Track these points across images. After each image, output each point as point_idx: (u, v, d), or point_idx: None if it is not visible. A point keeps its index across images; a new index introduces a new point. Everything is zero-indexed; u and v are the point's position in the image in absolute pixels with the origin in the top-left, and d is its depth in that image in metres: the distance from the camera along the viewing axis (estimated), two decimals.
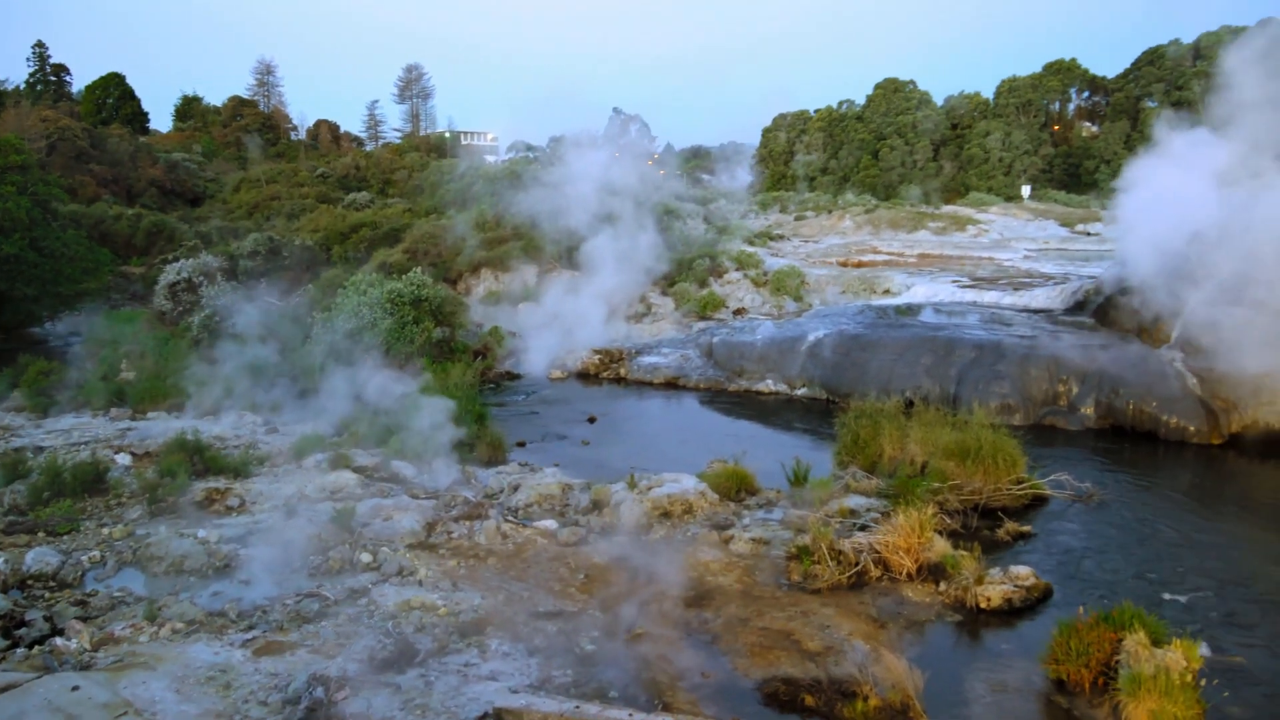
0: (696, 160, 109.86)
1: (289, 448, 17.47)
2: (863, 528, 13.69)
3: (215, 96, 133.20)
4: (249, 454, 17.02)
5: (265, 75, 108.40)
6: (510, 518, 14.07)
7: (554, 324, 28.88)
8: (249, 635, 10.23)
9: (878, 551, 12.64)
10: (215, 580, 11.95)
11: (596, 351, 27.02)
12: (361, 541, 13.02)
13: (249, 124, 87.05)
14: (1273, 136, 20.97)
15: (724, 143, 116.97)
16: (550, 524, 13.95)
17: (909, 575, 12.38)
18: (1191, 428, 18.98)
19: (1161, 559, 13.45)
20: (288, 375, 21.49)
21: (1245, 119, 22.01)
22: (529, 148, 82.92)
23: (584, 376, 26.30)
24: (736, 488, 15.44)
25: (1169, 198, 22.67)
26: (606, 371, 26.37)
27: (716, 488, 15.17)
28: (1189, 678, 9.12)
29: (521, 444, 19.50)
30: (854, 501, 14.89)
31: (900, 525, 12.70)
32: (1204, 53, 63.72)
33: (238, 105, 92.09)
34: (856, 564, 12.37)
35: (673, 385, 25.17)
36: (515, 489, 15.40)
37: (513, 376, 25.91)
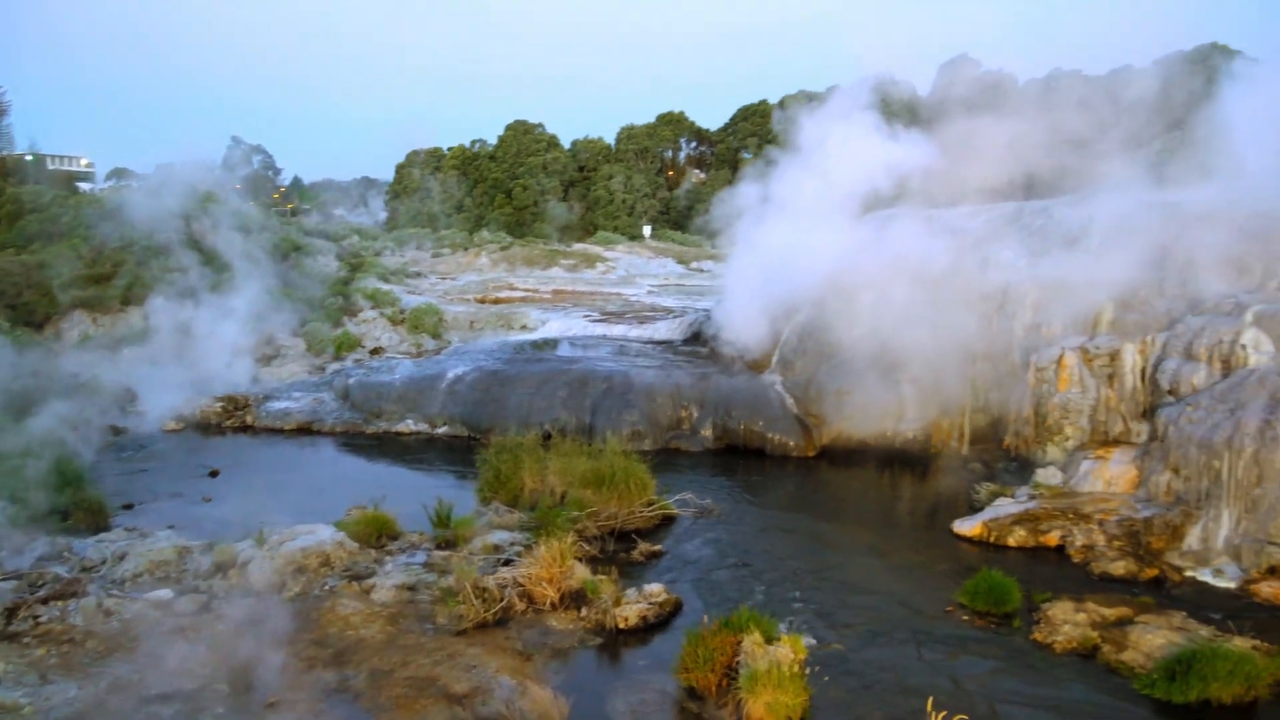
0: (328, 195, 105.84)
1: None
2: (507, 562, 13.82)
3: None
4: None
5: None
6: (115, 591, 12.49)
7: (168, 370, 26.21)
8: None
9: (522, 584, 12.82)
10: None
11: (219, 399, 24.93)
12: None
13: None
14: (838, 188, 24.24)
15: (356, 177, 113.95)
16: (165, 593, 12.58)
17: (553, 605, 12.67)
18: (791, 443, 21.35)
19: (773, 562, 14.94)
20: None
21: (816, 172, 25.30)
22: (128, 175, 74.87)
23: (205, 427, 24.13)
24: (377, 534, 14.93)
25: (765, 243, 25.44)
26: (231, 420, 24.40)
27: (356, 536, 14.57)
28: (797, 669, 10.19)
29: (129, 506, 17.46)
30: (498, 537, 14.99)
31: (542, 556, 12.98)
32: (785, 112, 72.91)
33: None
34: (502, 600, 12.44)
35: (306, 431, 23.85)
36: (122, 558, 13.70)
37: (117, 431, 23.09)
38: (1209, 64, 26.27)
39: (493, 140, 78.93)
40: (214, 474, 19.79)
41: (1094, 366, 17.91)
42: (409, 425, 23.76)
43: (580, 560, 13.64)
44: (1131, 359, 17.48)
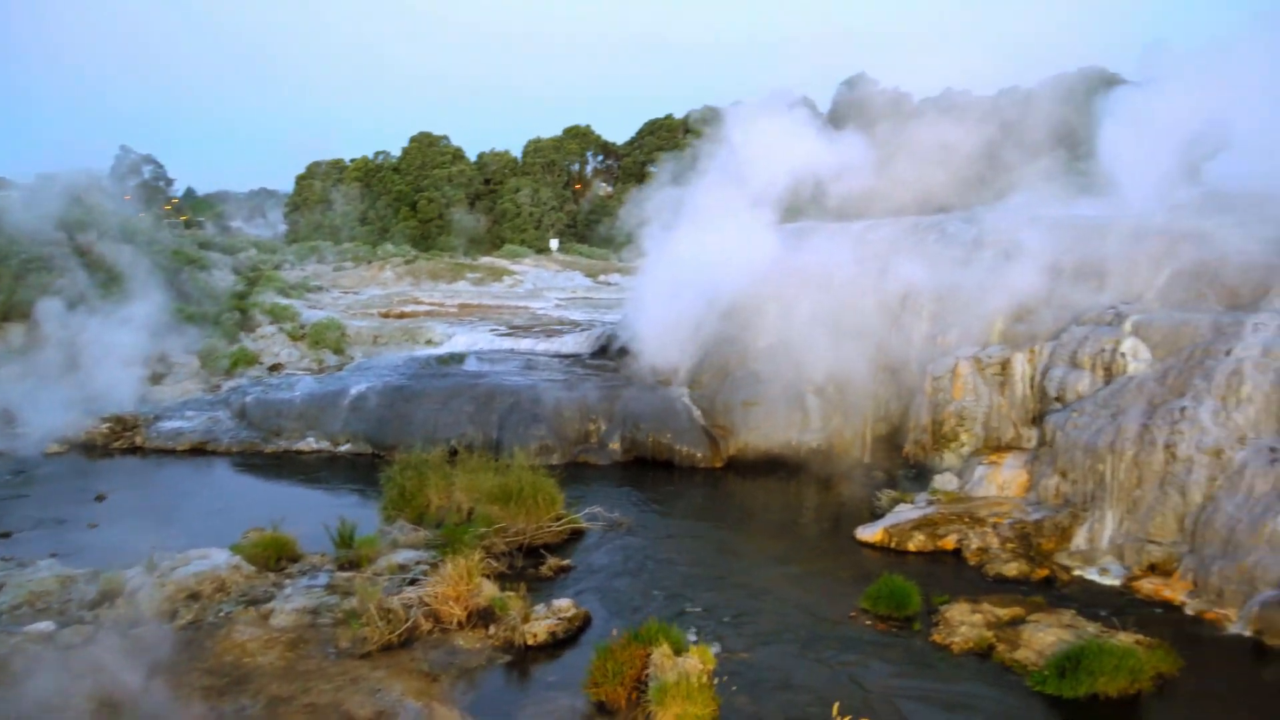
0: (224, 206, 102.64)
1: None
2: (413, 582, 13.58)
3: None
4: None
5: None
6: None
7: (50, 389, 24.94)
8: None
9: (428, 604, 12.60)
10: None
11: (105, 419, 23.87)
12: None
13: None
14: (751, 193, 24.51)
15: (254, 188, 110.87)
16: (46, 626, 11.96)
17: (460, 623, 12.49)
18: (699, 454, 21.54)
19: (681, 573, 15.02)
20: None
21: (727, 181, 25.59)
22: (5, 185, 71.27)
23: (90, 449, 23.06)
24: (276, 556, 14.49)
25: (674, 255, 25.60)
26: (119, 441, 23.37)
27: (253, 559, 14.11)
28: (706, 679, 10.26)
29: (6, 535, 16.58)
30: (403, 556, 14.72)
31: (449, 574, 12.79)
32: (691, 127, 73.76)
33: None
34: (407, 620, 12.20)
35: (201, 451, 23.01)
36: None
37: None
38: (1090, 86, 27.59)
39: (396, 152, 77.78)
40: (100, 498, 18.93)
41: (986, 375, 18.57)
42: (310, 443, 23.15)
43: (488, 577, 13.49)
44: (1021, 368, 18.18)
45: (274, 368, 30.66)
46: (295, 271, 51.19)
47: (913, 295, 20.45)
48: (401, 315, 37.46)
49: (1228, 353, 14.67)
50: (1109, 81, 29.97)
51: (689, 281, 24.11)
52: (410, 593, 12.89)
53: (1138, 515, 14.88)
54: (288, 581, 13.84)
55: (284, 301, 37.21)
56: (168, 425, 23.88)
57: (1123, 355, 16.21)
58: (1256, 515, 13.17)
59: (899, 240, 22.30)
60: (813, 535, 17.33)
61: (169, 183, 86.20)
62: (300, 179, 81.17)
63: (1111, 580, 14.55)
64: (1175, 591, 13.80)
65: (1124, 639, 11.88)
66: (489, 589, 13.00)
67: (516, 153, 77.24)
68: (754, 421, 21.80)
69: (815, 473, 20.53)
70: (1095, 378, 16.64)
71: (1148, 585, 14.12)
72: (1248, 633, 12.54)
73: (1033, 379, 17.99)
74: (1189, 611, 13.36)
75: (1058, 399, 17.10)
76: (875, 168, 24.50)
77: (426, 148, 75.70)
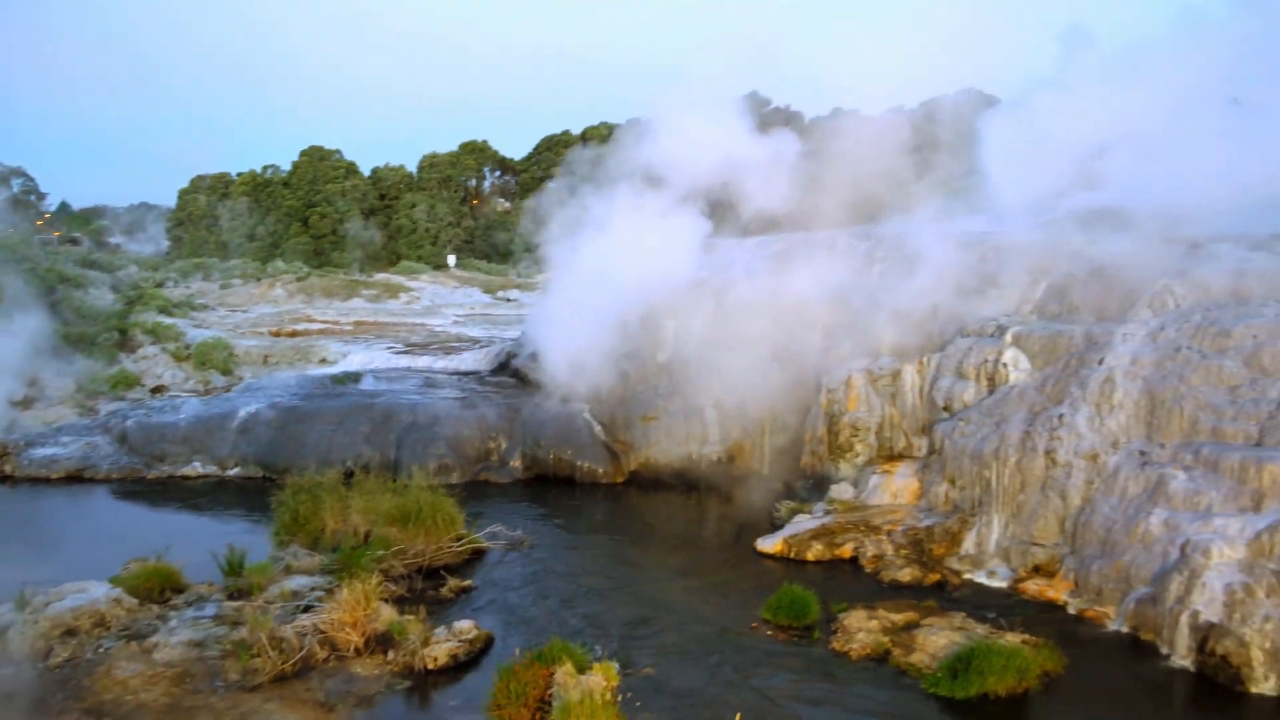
0: (101, 222, 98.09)
1: None
2: (307, 609, 13.17)
3: None
4: None
5: None
6: None
7: None
8: None
9: (323, 631, 12.24)
10: None
11: None
12: None
13: None
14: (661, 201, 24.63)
15: (134, 203, 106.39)
16: None
17: (357, 650, 12.16)
18: (600, 470, 21.54)
19: (584, 590, 14.96)
20: None
21: (625, 203, 25.72)
22: None
23: None
24: (160, 587, 13.87)
25: (576, 271, 25.55)
26: None
27: (135, 591, 13.47)
28: (609, 696, 10.23)
29: None
30: (296, 583, 14.26)
31: (345, 600, 12.45)
32: (589, 144, 74.08)
33: None
34: (301, 649, 11.82)
35: (77, 479, 21.86)
36: None
37: None
38: (972, 106, 28.73)
39: (286, 166, 75.76)
40: None
41: (879, 386, 19.10)
42: (196, 468, 22.26)
43: (386, 601, 13.19)
44: (911, 378, 18.77)
45: (156, 390, 29.43)
46: (180, 289, 49.29)
47: (807, 308, 20.90)
48: (294, 334, 36.42)
49: (1100, 362, 15.45)
50: (988, 102, 31.29)
51: (590, 297, 24.12)
52: (304, 620, 12.49)
53: (1022, 519, 15.50)
54: (172, 613, 13.25)
55: (167, 321, 35.76)
56: (40, 452, 22.62)
57: (1004, 365, 16.89)
58: (1130, 516, 13.87)
59: (792, 255, 22.77)
60: (714, 547, 17.50)
61: (41, 196, 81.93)
62: (184, 193, 78.27)
63: (999, 582, 15.11)
64: (1058, 591, 14.41)
65: (1011, 639, 12.34)
66: (387, 613, 12.70)
67: (412, 167, 76.14)
68: (654, 436, 21.94)
69: (716, 485, 20.76)
70: (980, 387, 17.29)
71: (1033, 586, 14.71)
72: (1125, 629, 13.17)
73: (922, 389, 18.59)
74: (1071, 610, 13.96)
75: (946, 408, 17.71)
76: (780, 183, 24.94)
77: (318, 161, 73.97)
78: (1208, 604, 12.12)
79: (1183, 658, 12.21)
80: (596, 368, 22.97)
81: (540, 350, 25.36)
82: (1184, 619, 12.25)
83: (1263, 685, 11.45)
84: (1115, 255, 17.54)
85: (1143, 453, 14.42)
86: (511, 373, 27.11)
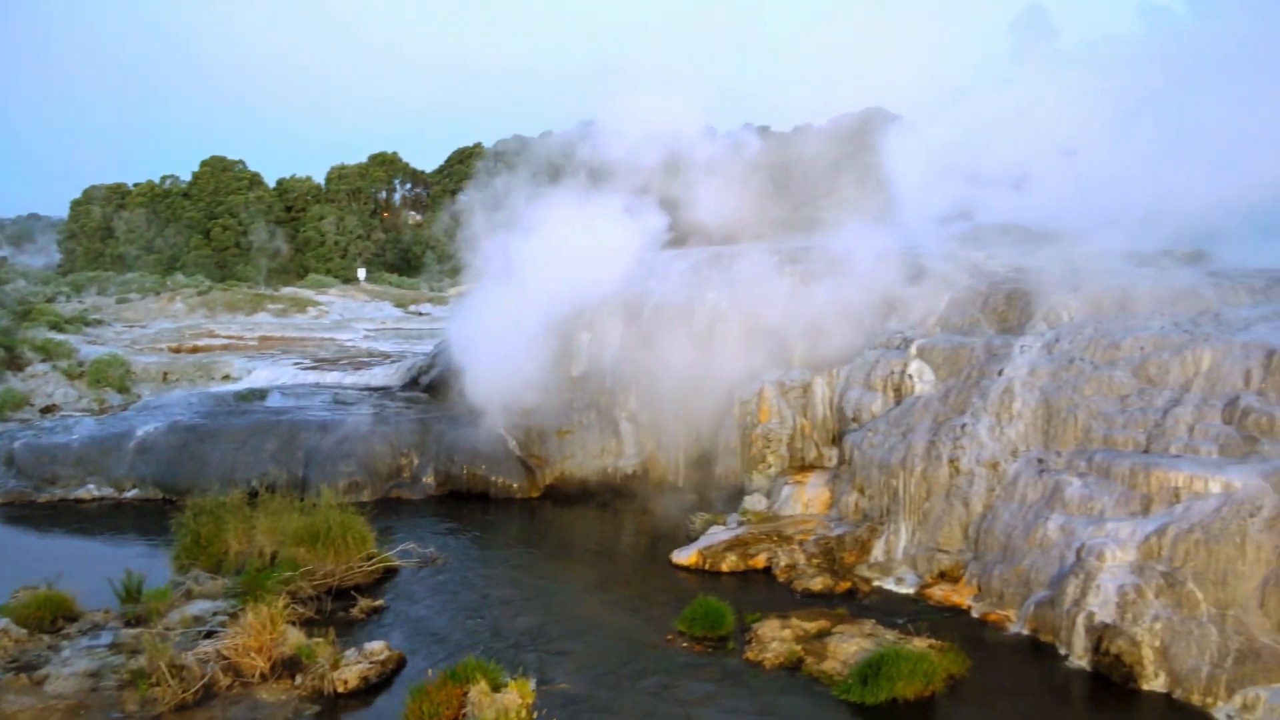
0: None
1: None
2: (210, 634, 12.74)
3: None
4: None
5: None
6: None
7: None
8: None
9: (226, 657, 11.85)
10: None
11: None
12: None
13: None
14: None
15: (21, 214, 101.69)
16: None
17: (263, 675, 11.80)
18: (515, 485, 21.38)
19: (499, 607, 14.82)
20: None
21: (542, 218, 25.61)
22: None
23: None
24: (52, 616, 13.25)
25: (491, 286, 25.32)
26: None
27: (24, 620, 12.85)
28: (525, 714, 10.15)
29: None
30: (198, 607, 13.79)
31: (250, 624, 12.07)
32: (502, 158, 73.82)
33: None
34: (204, 676, 11.43)
35: None
36: None
37: None
38: (876, 124, 29.56)
39: (187, 176, 73.47)
40: None
41: (790, 398, 19.43)
42: (90, 490, 21.33)
43: (294, 624, 12.84)
44: (821, 390, 19.15)
45: (47, 410, 28.13)
46: (73, 304, 47.27)
47: (719, 321, 21.14)
48: (195, 350, 35.24)
49: (1000, 373, 16.02)
50: (890, 120, 32.22)
51: (507, 310, 23.95)
52: (207, 646, 12.08)
53: (928, 526, 15.94)
54: (65, 643, 12.67)
55: (59, 337, 34.23)
56: None
57: (910, 377, 17.38)
58: (1029, 522, 14.39)
59: (704, 269, 23.02)
60: (630, 561, 17.52)
61: None
62: (76, 204, 75.12)
63: (907, 589, 15.49)
64: (962, 596, 14.85)
65: (919, 644, 12.65)
66: (295, 636, 12.36)
67: (320, 179, 74.66)
68: (570, 450, 21.89)
69: (632, 498, 20.80)
70: (887, 398, 17.74)
71: (938, 592, 15.12)
72: (1025, 631, 13.64)
73: (832, 400, 18.98)
74: (975, 614, 14.39)
75: (854, 419, 18.10)
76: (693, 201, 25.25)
77: (220, 172, 71.95)
78: (1102, 605, 12.64)
79: (1079, 658, 12.70)
80: (512, 381, 22.80)
81: (454, 364, 25.08)
82: (1080, 620, 12.75)
83: (1154, 682, 11.99)
84: (1013, 270, 18.23)
85: (1040, 460, 14.98)
86: (424, 387, 26.73)
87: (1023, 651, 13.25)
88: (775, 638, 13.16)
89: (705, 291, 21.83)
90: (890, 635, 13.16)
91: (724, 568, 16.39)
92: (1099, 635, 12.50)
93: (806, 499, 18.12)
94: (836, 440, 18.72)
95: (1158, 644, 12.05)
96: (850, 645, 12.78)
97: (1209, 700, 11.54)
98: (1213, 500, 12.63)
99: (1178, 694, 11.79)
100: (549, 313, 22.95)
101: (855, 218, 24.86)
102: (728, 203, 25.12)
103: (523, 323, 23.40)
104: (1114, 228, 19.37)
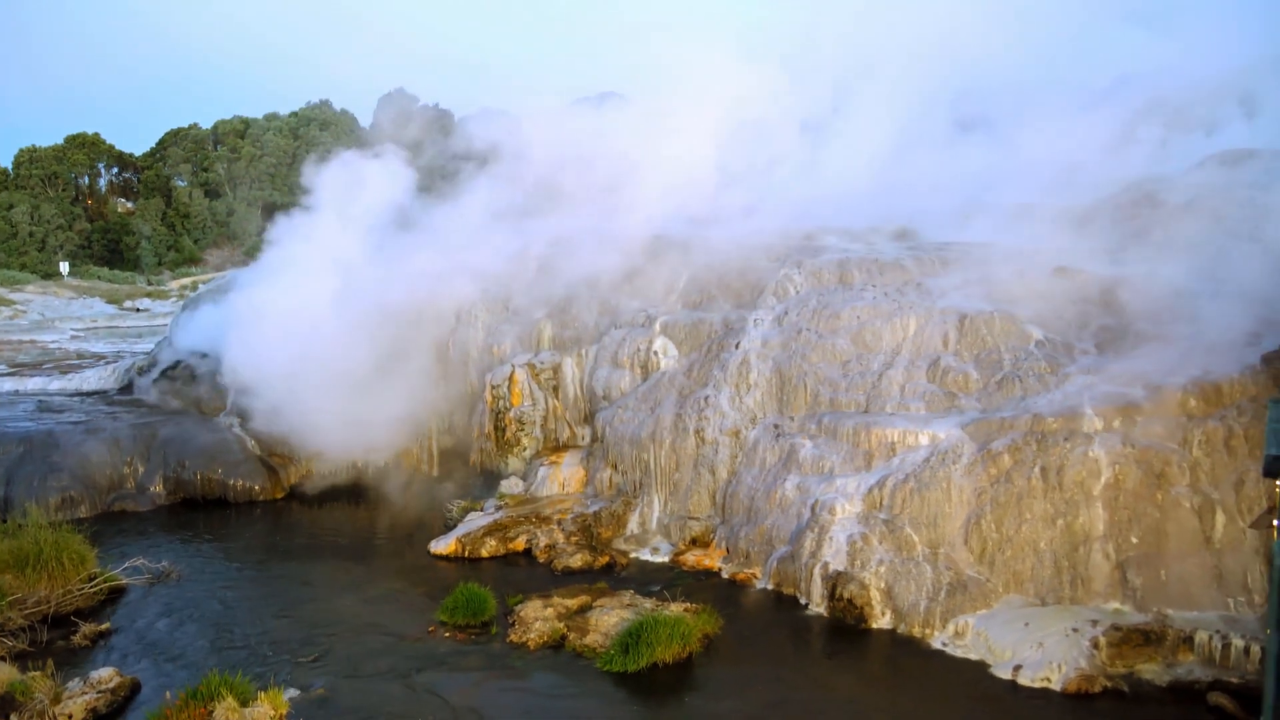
0: None
1: None
2: None
3: None
4: None
5: None
6: None
7: None
8: None
9: None
10: None
11: None
12: None
13: None
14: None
15: None
16: None
17: None
18: (256, 487, 20.18)
19: (246, 617, 13.96)
20: None
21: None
22: None
23: None
24: None
25: (228, 275, 23.67)
26: None
27: None
28: None
29: None
30: None
31: None
32: (222, 138, 68.68)
33: None
34: None
35: None
36: None
37: None
38: (616, 107, 30.06)
39: None
40: None
41: (541, 380, 19.60)
42: None
43: (3, 659, 11.47)
44: (571, 371, 19.47)
45: None
46: None
47: (466, 309, 20.92)
48: None
49: (736, 346, 16.98)
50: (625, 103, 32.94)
51: (246, 303, 22.44)
52: None
53: (679, 496, 16.67)
54: None
55: None
56: None
57: (655, 353, 18.03)
58: (769, 484, 15.40)
59: (450, 257, 22.59)
60: (386, 555, 17.05)
61: None
62: None
63: (662, 558, 16.15)
64: (713, 559, 15.68)
65: (675, 609, 13.24)
66: (5, 673, 11.06)
67: (7, 164, 66.31)
68: (316, 446, 20.89)
69: (385, 492, 20.22)
70: (635, 375, 18.31)
71: (691, 557, 15.88)
72: (770, 586, 14.63)
73: (583, 380, 19.34)
74: (725, 576, 15.25)
75: (605, 397, 18.56)
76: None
77: None
78: (835, 555, 13.79)
79: (818, 605, 13.79)
80: (247, 378, 21.43)
81: (182, 363, 23.26)
82: (817, 571, 13.84)
83: (880, 621, 13.25)
84: (744, 247, 19.30)
85: (776, 426, 16.05)
86: (146, 390, 24.53)
87: (769, 605, 14.20)
88: (538, 618, 13.30)
89: (450, 280, 21.32)
90: (648, 604, 13.66)
91: (484, 553, 16.34)
92: (833, 583, 13.63)
93: (562, 479, 18.39)
94: (589, 419, 19.10)
95: (883, 585, 13.32)
96: (611, 617, 13.15)
97: (927, 631, 12.91)
98: (922, 451, 14.09)
99: (901, 629, 13.10)
100: (296, 304, 21.69)
101: (600, 202, 25.31)
102: (469, 187, 24.78)
103: (263, 314, 22.05)
104: (829, 205, 21.05)
